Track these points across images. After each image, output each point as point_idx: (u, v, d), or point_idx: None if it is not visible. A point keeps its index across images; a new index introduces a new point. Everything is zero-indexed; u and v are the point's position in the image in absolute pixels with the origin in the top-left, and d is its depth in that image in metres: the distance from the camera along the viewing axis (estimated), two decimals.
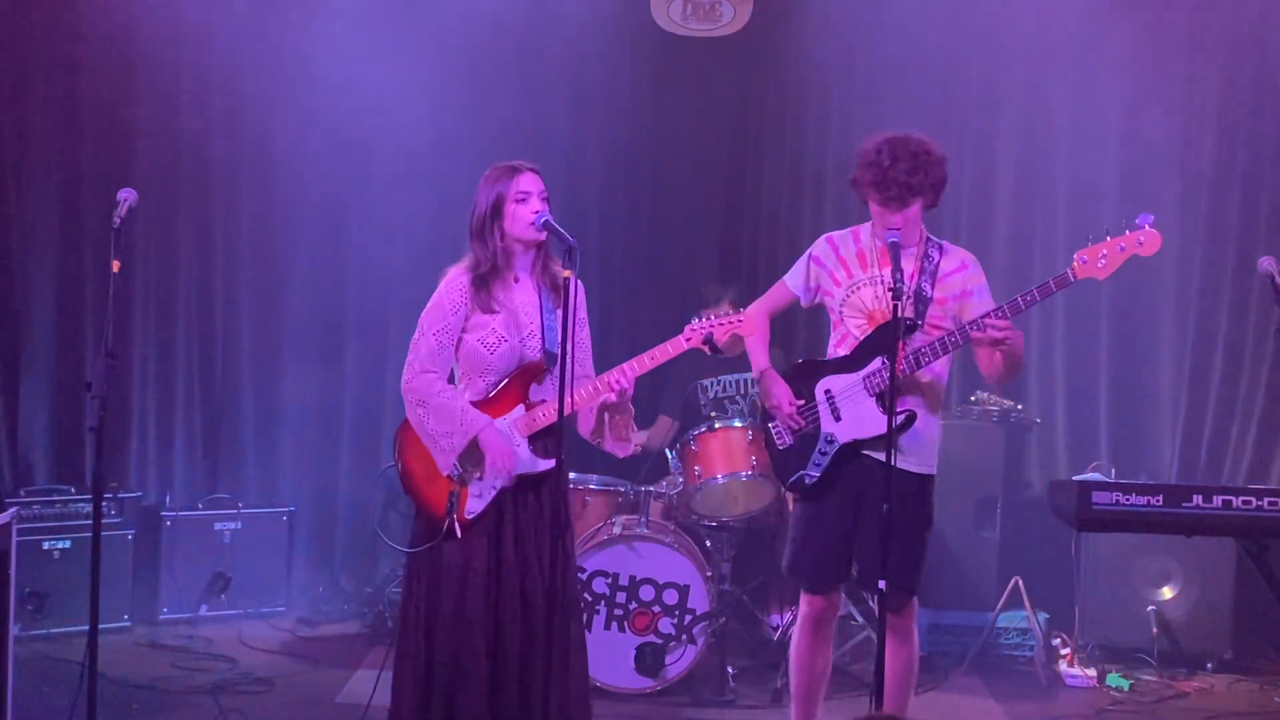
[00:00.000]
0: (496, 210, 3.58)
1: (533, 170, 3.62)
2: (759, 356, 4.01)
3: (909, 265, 3.74)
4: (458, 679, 3.52)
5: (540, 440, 3.59)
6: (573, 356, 3.39)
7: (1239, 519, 5.46)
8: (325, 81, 6.35)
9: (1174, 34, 6.23)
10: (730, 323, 3.55)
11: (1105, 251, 3.52)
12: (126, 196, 3.71)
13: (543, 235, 3.58)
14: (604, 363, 3.74)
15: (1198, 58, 6.21)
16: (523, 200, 3.56)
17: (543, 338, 3.61)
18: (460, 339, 3.62)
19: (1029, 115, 6.38)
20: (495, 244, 3.58)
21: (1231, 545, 5.46)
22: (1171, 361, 6.27)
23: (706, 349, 3.55)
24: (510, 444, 3.55)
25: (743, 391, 5.73)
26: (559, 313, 3.43)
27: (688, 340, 3.54)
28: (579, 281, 3.44)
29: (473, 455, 3.55)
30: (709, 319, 3.55)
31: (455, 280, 3.63)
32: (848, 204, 6.21)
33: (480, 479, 3.57)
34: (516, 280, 3.65)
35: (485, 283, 3.59)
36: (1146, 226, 3.51)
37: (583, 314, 3.71)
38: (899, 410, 3.55)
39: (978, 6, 6.39)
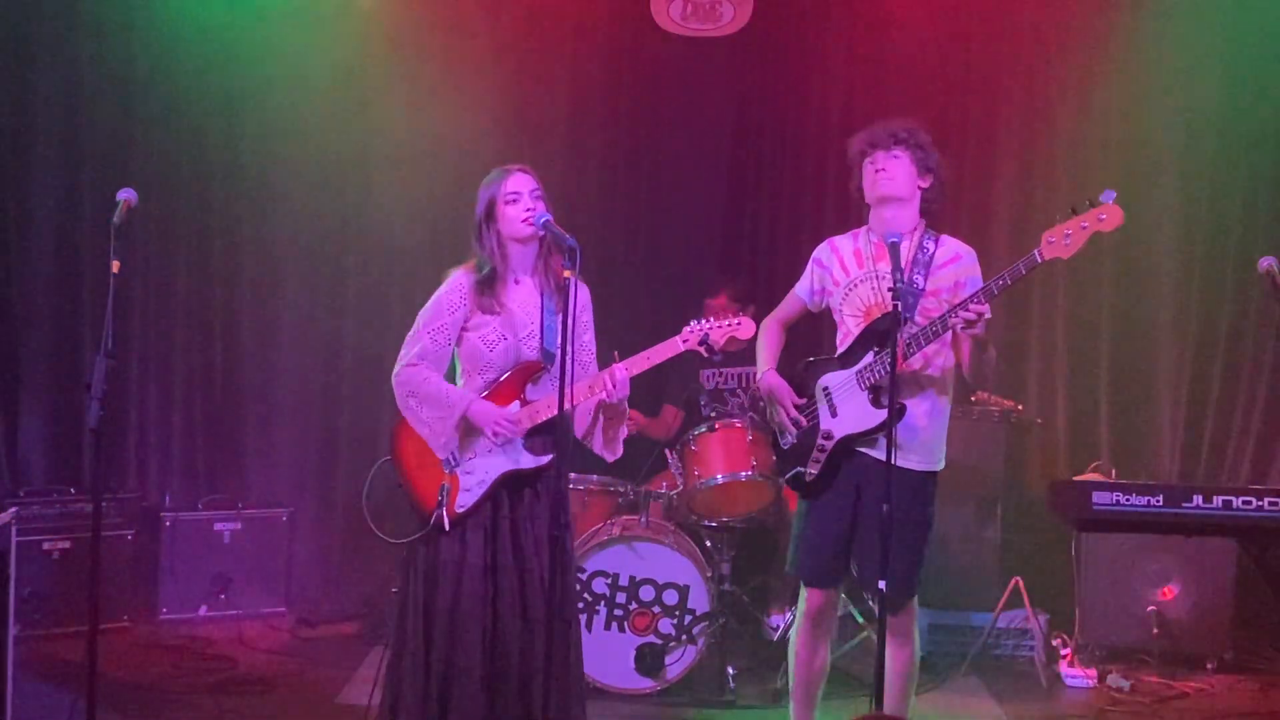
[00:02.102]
0: (490, 213, 3.63)
1: (523, 170, 3.65)
2: (766, 358, 4.01)
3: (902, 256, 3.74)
4: (454, 675, 3.54)
5: (537, 437, 3.61)
6: (573, 356, 3.40)
7: (1239, 519, 5.48)
8: (323, 85, 6.36)
9: (1174, 30, 6.23)
10: (728, 326, 3.55)
11: (1069, 230, 3.50)
12: (126, 196, 3.70)
13: (538, 232, 3.60)
14: (602, 363, 3.75)
15: (1198, 54, 6.21)
16: (512, 201, 3.60)
17: (541, 337, 3.63)
18: (461, 336, 3.66)
19: (1029, 114, 6.38)
20: (492, 246, 3.63)
21: (1231, 545, 5.47)
22: (1171, 362, 6.26)
23: (703, 350, 3.56)
24: (500, 410, 3.57)
25: (743, 384, 5.73)
26: (560, 315, 3.43)
27: (684, 341, 3.56)
28: (583, 284, 3.46)
29: (469, 437, 3.57)
30: (707, 322, 3.56)
31: (457, 281, 3.67)
32: (848, 203, 6.15)
33: (471, 472, 3.59)
34: (517, 282, 3.68)
35: (488, 285, 3.64)
36: (1108, 202, 3.48)
37: (587, 316, 3.75)
38: (887, 405, 3.55)
39: (978, 4, 6.39)
